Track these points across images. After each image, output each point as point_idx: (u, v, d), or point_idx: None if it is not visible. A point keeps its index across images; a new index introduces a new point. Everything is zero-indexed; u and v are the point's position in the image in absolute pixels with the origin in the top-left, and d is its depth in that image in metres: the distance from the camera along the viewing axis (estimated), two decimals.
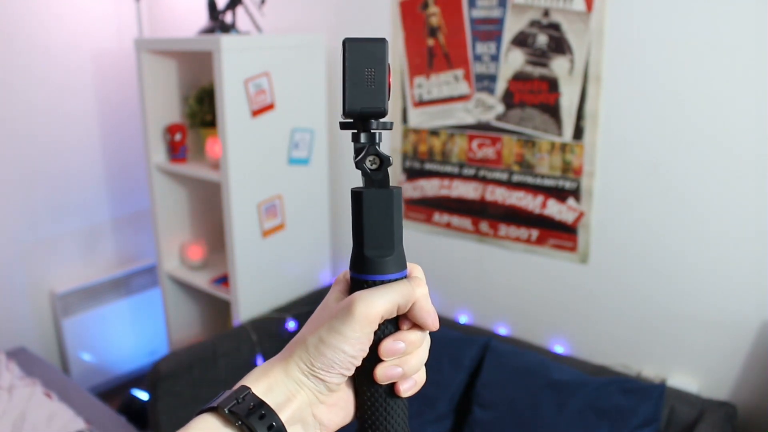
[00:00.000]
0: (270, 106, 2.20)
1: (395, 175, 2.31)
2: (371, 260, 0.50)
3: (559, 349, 2.07)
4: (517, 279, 2.14)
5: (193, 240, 2.64)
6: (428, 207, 2.26)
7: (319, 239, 2.55)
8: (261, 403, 0.47)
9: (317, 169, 2.45)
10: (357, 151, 0.50)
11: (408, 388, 0.51)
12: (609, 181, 1.88)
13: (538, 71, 1.92)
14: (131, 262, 3.16)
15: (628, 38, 1.76)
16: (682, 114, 1.72)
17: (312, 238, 2.52)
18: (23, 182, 2.71)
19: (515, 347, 1.97)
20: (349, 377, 0.50)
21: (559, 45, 1.86)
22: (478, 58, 2.03)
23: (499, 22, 1.96)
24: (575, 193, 1.94)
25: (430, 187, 2.24)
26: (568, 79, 1.87)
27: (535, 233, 2.05)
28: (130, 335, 3.11)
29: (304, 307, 2.37)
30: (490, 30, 1.99)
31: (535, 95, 1.95)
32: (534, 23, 1.90)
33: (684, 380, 1.84)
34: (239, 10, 2.43)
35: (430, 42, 2.11)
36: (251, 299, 2.32)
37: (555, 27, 1.86)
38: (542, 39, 1.89)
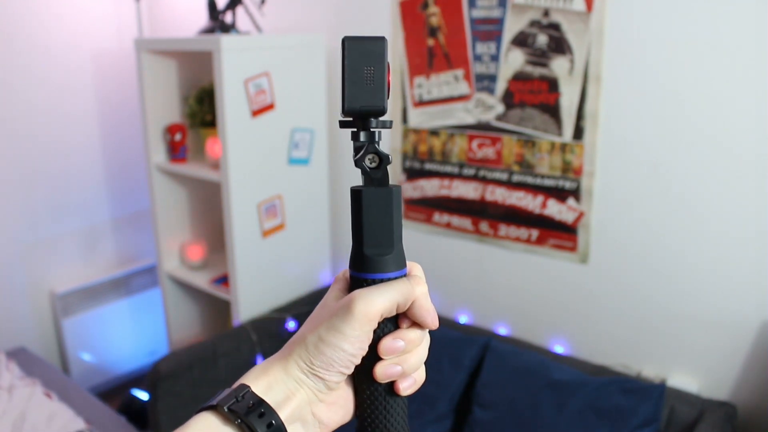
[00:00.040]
0: (270, 106, 2.20)
1: (395, 175, 2.31)
2: (371, 259, 0.50)
3: (559, 349, 2.07)
4: (517, 279, 2.14)
5: (193, 240, 2.64)
6: (428, 207, 2.26)
7: (319, 239, 2.55)
8: (260, 402, 0.47)
9: (317, 169, 2.45)
10: (356, 150, 0.50)
11: (407, 386, 0.51)
12: (609, 181, 1.88)
13: (538, 71, 1.92)
14: (131, 262, 3.16)
15: (628, 38, 1.76)
16: (682, 114, 1.72)
17: (312, 238, 2.52)
18: (23, 182, 2.71)
19: (515, 347, 1.97)
20: (348, 376, 0.50)
21: (559, 45, 1.86)
22: (478, 58, 2.03)
23: (499, 22, 1.96)
24: (575, 193, 1.94)
25: (430, 187, 2.24)
26: (568, 79, 1.87)
27: (535, 233, 2.05)
28: (130, 335, 3.11)
29: (304, 307, 2.37)
30: (490, 30, 1.99)
31: (535, 95, 1.95)
32: (534, 23, 1.90)
33: (684, 380, 1.84)
34: (239, 10, 2.43)
35: (430, 42, 2.11)
36: (251, 299, 2.32)
37: (555, 27, 1.86)
38: (542, 39, 1.89)
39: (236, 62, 2.08)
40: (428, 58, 2.13)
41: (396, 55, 2.19)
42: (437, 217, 2.25)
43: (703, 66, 1.66)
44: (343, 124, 0.51)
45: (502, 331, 2.19)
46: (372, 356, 0.50)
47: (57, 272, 2.88)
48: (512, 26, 1.94)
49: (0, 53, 2.56)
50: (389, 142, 2.31)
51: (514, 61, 1.96)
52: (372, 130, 0.50)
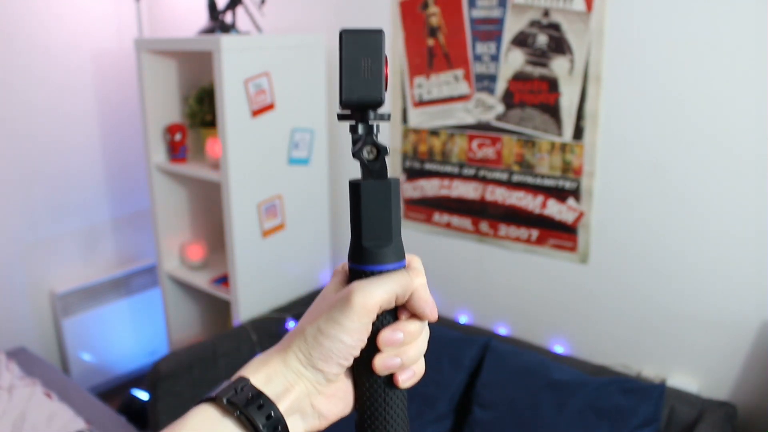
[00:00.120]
0: (270, 106, 2.21)
1: (395, 174, 2.31)
2: (369, 250, 0.50)
3: (559, 349, 2.07)
4: (517, 279, 2.13)
5: (193, 240, 2.64)
6: (428, 207, 2.26)
7: (319, 239, 2.55)
8: (259, 394, 0.47)
9: (317, 169, 2.45)
10: (354, 142, 0.50)
11: (407, 378, 0.51)
12: (609, 181, 1.88)
13: (538, 71, 1.93)
14: (131, 262, 3.16)
15: (628, 38, 1.76)
16: (682, 114, 1.72)
17: (312, 238, 2.52)
18: (23, 182, 2.71)
19: (515, 347, 1.97)
20: (348, 368, 0.50)
21: (559, 45, 1.86)
22: (478, 58, 2.03)
23: (499, 22, 1.96)
24: (575, 193, 1.94)
25: (430, 187, 2.24)
26: (568, 79, 1.87)
27: (535, 233, 2.05)
28: (130, 335, 3.10)
29: (304, 307, 2.37)
30: (490, 30, 1.99)
31: (535, 95, 1.95)
32: (534, 23, 1.90)
33: (684, 380, 1.84)
34: (239, 10, 2.43)
35: (430, 42, 2.12)
36: (251, 299, 2.32)
37: (555, 27, 1.86)
38: (542, 39, 1.89)
39: (236, 62, 2.08)
40: (428, 58, 2.13)
41: (396, 55, 2.20)
42: (437, 217, 2.25)
43: (703, 66, 1.66)
44: (341, 117, 0.51)
45: (502, 331, 2.19)
46: (371, 348, 0.50)
47: (57, 272, 2.88)
48: (512, 26, 1.94)
49: (0, 53, 2.56)
50: (389, 142, 2.31)
51: (514, 61, 1.96)
52: (370, 122, 0.50)
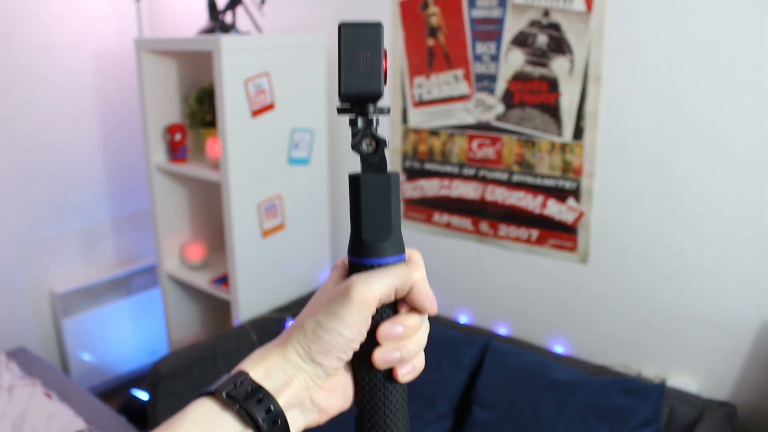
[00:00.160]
0: (270, 106, 2.21)
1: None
2: (369, 244, 0.50)
3: (559, 349, 2.07)
4: (517, 279, 2.13)
5: (193, 240, 2.64)
6: (428, 207, 2.26)
7: (319, 239, 2.55)
8: (259, 388, 0.47)
9: (317, 169, 2.45)
10: (354, 135, 0.50)
11: (406, 372, 0.50)
12: (609, 181, 1.88)
13: (538, 71, 1.93)
14: (131, 262, 3.16)
15: (628, 38, 1.76)
16: (682, 114, 1.72)
17: (312, 238, 2.52)
18: (23, 182, 2.71)
19: (515, 347, 1.97)
20: (348, 362, 0.50)
21: (559, 45, 1.87)
22: (478, 58, 2.04)
23: (499, 22, 1.96)
24: (575, 193, 1.94)
25: (430, 187, 2.24)
26: (568, 79, 1.87)
27: (535, 233, 2.05)
28: (130, 335, 3.10)
29: (304, 307, 2.37)
30: (490, 30, 1.99)
31: (535, 95, 1.95)
32: (534, 23, 1.90)
33: (684, 380, 1.84)
34: (239, 10, 2.43)
35: (430, 42, 2.12)
36: (251, 299, 2.32)
37: (555, 27, 1.86)
38: (542, 39, 1.89)
39: (236, 62, 2.08)
40: (428, 58, 2.13)
41: (396, 55, 2.20)
42: (437, 217, 2.25)
43: (703, 66, 1.66)
44: (340, 111, 0.51)
45: (502, 331, 2.18)
46: (371, 342, 0.49)
47: (57, 272, 2.88)
48: (512, 26, 1.94)
49: (0, 53, 2.56)
50: (390, 142, 2.31)
51: (514, 61, 1.97)
52: (369, 115, 0.50)
